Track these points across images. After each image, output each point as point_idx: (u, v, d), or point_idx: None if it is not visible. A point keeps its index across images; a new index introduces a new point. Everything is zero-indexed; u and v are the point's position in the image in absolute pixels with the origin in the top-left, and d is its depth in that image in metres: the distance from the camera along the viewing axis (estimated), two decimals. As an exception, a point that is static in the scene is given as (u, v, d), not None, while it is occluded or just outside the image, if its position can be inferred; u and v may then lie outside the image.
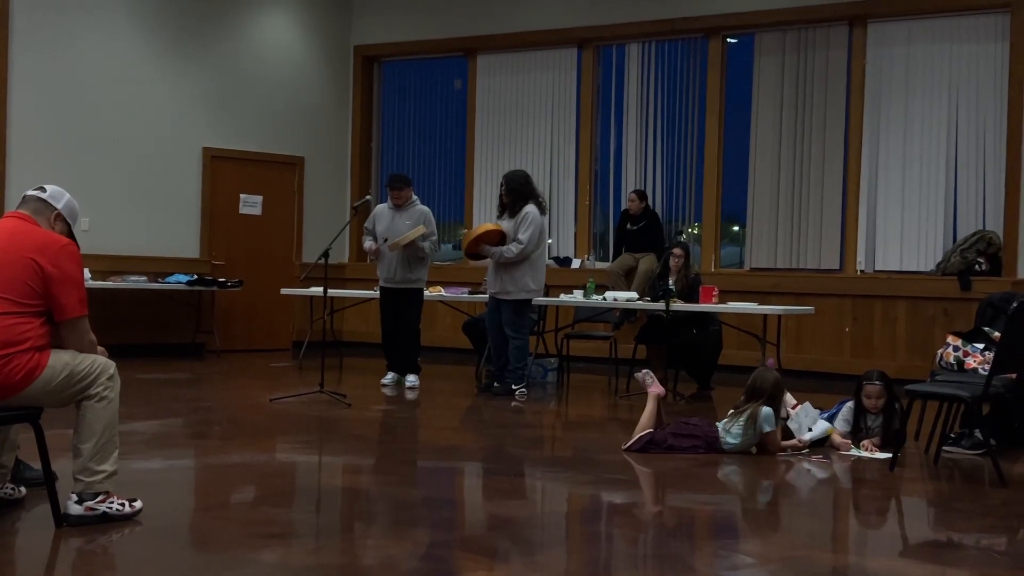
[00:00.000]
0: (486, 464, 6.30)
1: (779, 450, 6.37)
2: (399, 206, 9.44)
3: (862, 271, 10.97)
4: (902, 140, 10.81)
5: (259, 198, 12.86)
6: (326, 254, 8.59)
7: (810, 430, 6.58)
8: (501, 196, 9.26)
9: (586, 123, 12.49)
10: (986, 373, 5.91)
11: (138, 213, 11.87)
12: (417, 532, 4.45)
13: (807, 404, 6.75)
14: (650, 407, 6.47)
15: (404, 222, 9.35)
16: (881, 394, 6.60)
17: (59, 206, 4.43)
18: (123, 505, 4.34)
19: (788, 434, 6.55)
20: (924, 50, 10.74)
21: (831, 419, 6.86)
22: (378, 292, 9.74)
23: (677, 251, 9.68)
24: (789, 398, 6.75)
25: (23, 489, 4.65)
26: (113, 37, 11.72)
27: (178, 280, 11.74)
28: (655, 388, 6.55)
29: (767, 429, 6.30)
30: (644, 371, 6.76)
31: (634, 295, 9.86)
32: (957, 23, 10.62)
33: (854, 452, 6.48)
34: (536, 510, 5.20)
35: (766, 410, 6.31)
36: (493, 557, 4.16)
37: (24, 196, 4.47)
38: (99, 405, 4.28)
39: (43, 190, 4.45)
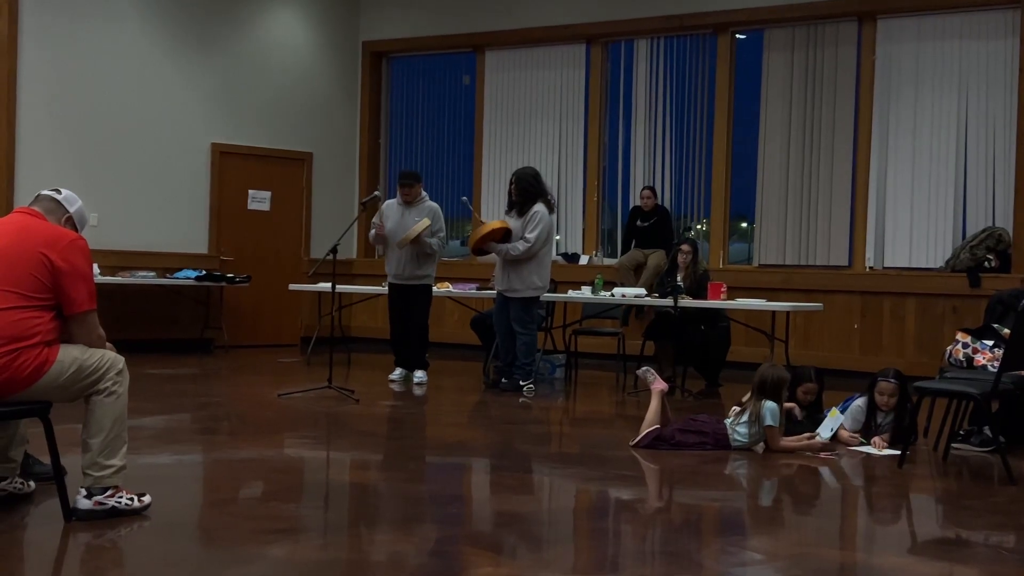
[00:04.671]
0: (493, 460, 6.30)
1: (779, 447, 6.33)
2: (409, 202, 9.43)
3: (871, 267, 10.94)
4: (911, 136, 10.78)
5: (267, 194, 12.87)
6: (334, 250, 8.59)
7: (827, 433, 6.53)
8: (510, 193, 9.26)
9: (594, 119, 12.48)
10: (995, 370, 5.90)
11: (147, 209, 11.89)
12: (424, 528, 4.45)
13: (835, 409, 6.70)
14: (654, 403, 6.47)
15: (413, 219, 9.34)
16: (895, 392, 6.56)
17: (71, 209, 4.46)
18: (132, 500, 4.35)
19: (799, 431, 6.52)
20: (934, 46, 10.71)
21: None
22: (386, 288, 9.74)
23: (685, 247, 9.66)
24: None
25: (32, 483, 4.66)
26: (121, 33, 11.73)
27: (186, 276, 11.76)
28: (658, 384, 6.54)
29: (767, 422, 6.28)
30: (645, 368, 6.76)
31: (642, 291, 9.85)
32: (967, 19, 10.58)
33: (863, 448, 6.46)
34: (544, 506, 5.20)
35: (769, 404, 6.30)
36: (500, 553, 4.15)
37: (38, 195, 4.50)
38: (108, 400, 4.29)
39: (58, 192, 4.49)
